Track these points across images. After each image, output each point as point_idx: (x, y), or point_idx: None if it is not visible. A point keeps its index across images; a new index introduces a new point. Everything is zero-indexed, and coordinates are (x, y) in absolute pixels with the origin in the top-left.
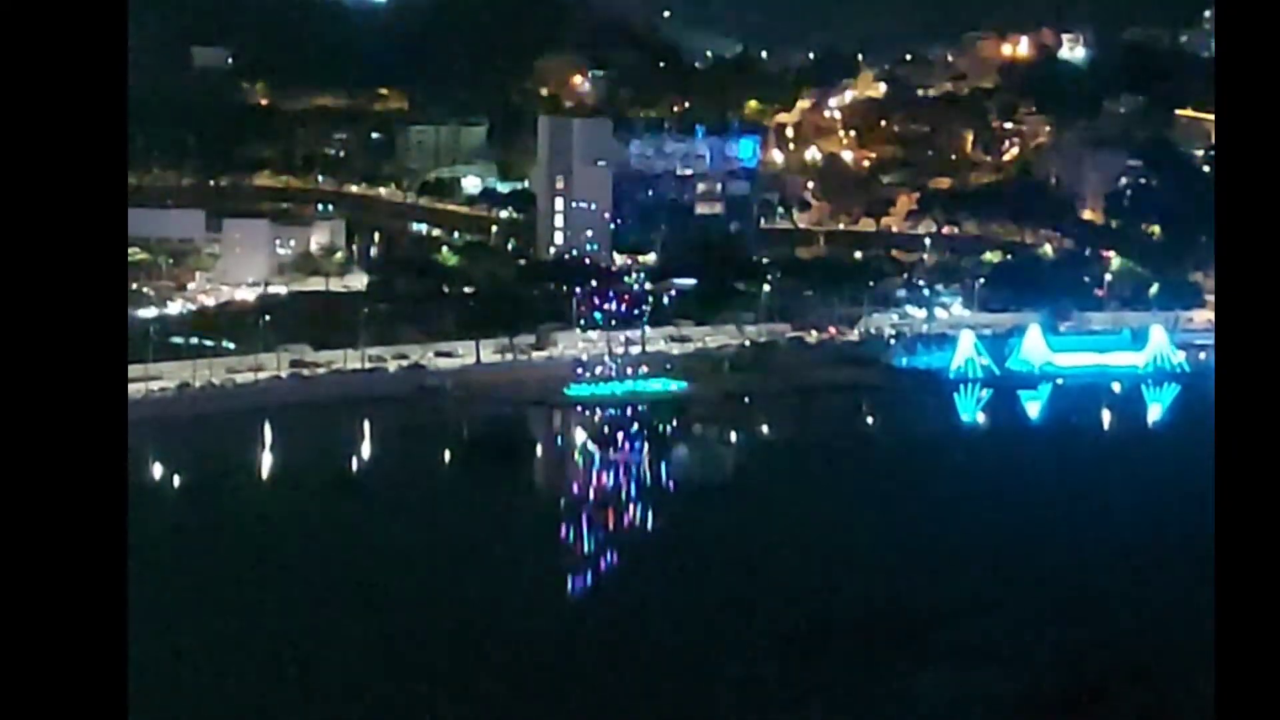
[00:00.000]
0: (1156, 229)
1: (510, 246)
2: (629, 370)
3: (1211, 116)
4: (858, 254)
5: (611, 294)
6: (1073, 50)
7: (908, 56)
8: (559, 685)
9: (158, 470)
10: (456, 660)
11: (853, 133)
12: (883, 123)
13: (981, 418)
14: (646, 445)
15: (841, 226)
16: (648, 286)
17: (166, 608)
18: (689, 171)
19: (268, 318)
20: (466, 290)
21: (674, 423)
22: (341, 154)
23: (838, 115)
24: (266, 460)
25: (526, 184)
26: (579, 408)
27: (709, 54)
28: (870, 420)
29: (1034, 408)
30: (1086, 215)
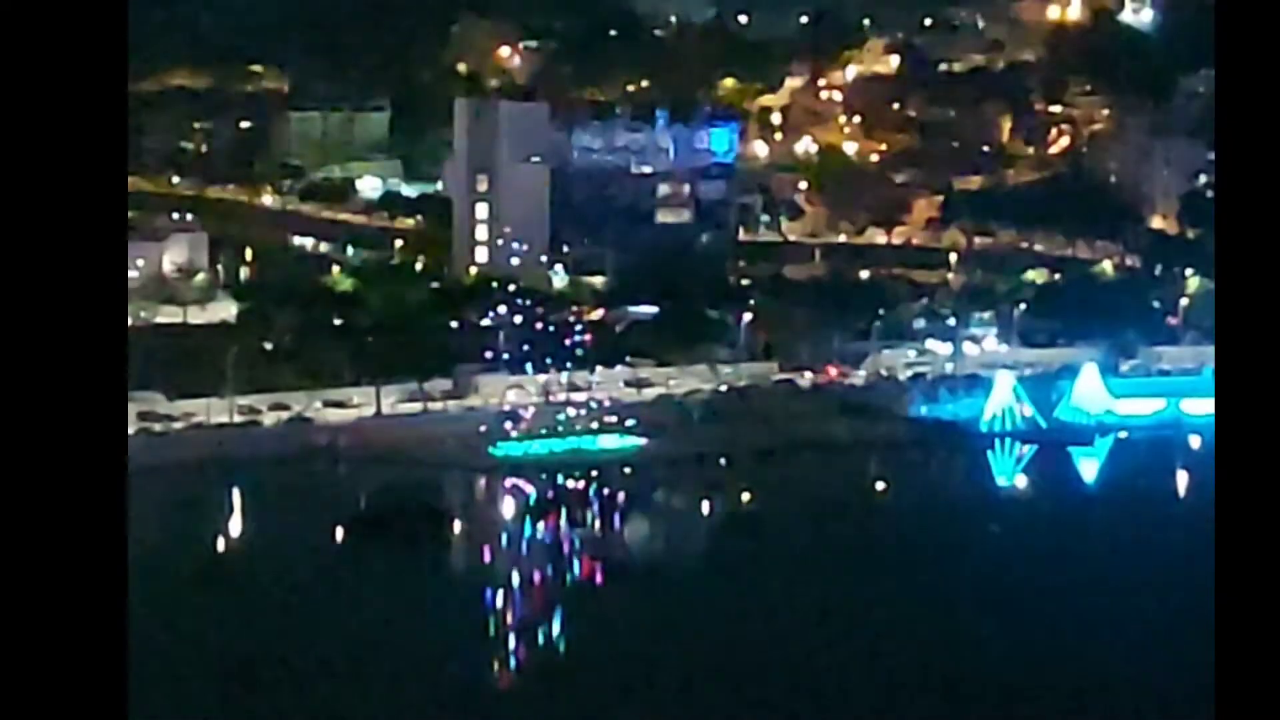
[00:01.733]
0: None
1: (419, 266)
2: (572, 424)
3: None
4: (864, 273)
5: (550, 326)
6: (1138, 12)
7: (927, 21)
8: None
9: None
10: None
11: (857, 119)
12: (895, 106)
13: (1022, 482)
14: (595, 519)
15: (843, 238)
16: (596, 316)
17: None
18: (648, 169)
19: None
20: (364, 322)
21: (630, 490)
22: (202, 148)
23: (837, 97)
24: None
25: (440, 186)
26: (508, 472)
27: (673, 19)
28: (880, 487)
29: (1090, 469)
30: (1156, 223)
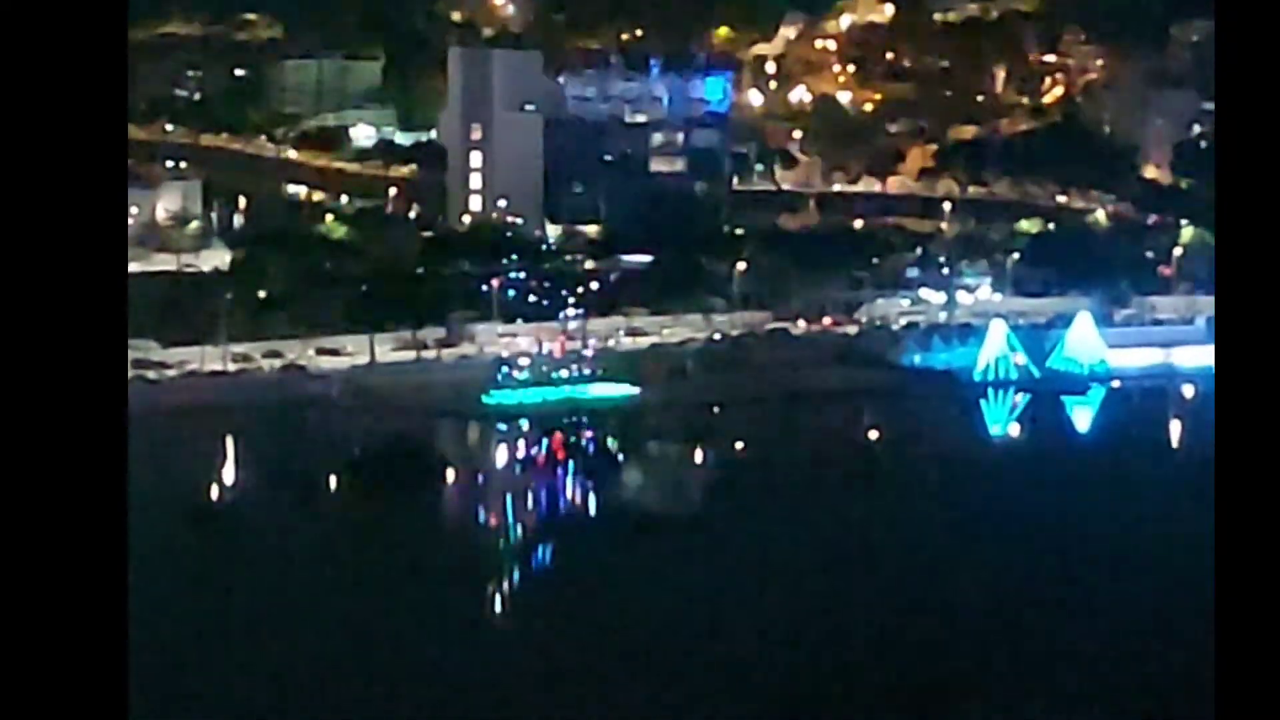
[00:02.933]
0: None
1: (413, 214)
2: (565, 373)
3: None
4: (857, 223)
5: (543, 275)
6: None
7: None
8: None
9: None
10: None
11: (851, 68)
12: (889, 55)
13: (1015, 431)
14: (587, 468)
15: (837, 188)
16: (590, 265)
17: None
18: (642, 118)
19: None
20: (357, 271)
21: (623, 439)
22: (197, 96)
23: (832, 46)
24: None
25: (433, 134)
26: (502, 420)
27: None
28: (873, 435)
29: (1083, 418)
30: (1150, 173)
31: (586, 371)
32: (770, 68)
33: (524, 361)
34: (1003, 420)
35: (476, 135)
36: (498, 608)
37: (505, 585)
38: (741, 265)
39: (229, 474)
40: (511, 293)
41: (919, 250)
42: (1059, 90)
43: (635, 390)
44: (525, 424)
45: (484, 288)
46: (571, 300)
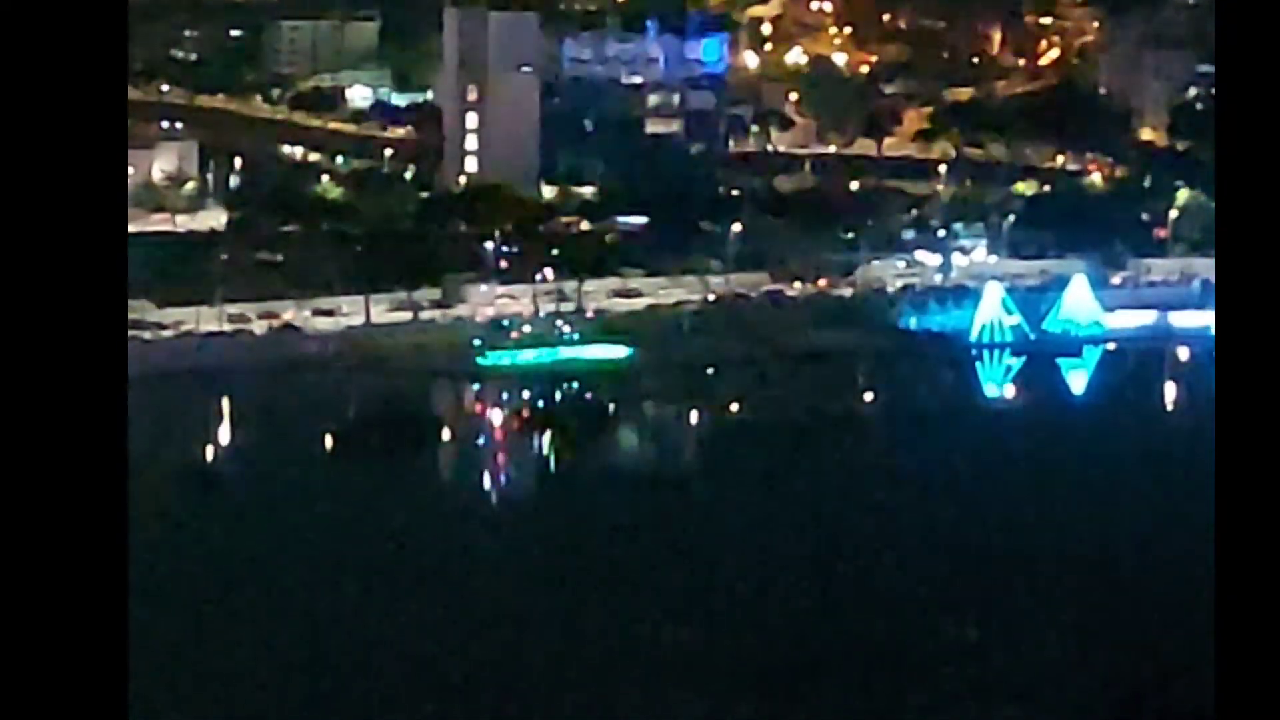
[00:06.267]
0: None
1: (409, 175)
2: (561, 333)
3: None
4: (853, 184)
5: (539, 237)
6: None
7: None
8: None
9: None
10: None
11: (847, 29)
12: (885, 17)
13: (1011, 393)
14: (583, 429)
15: (833, 149)
16: (586, 226)
17: None
18: (638, 79)
19: None
20: (353, 231)
21: (618, 400)
22: (192, 57)
23: (828, 8)
24: None
25: (429, 95)
26: (497, 381)
27: None
28: (869, 397)
29: (1079, 380)
30: (1146, 135)
31: (582, 333)
32: (766, 29)
33: (520, 322)
34: (998, 382)
35: (472, 96)
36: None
37: (499, 535)
38: (737, 227)
39: (224, 435)
40: (507, 254)
41: (914, 212)
42: (1055, 53)
43: (631, 352)
44: (520, 384)
45: (480, 249)
46: (567, 261)
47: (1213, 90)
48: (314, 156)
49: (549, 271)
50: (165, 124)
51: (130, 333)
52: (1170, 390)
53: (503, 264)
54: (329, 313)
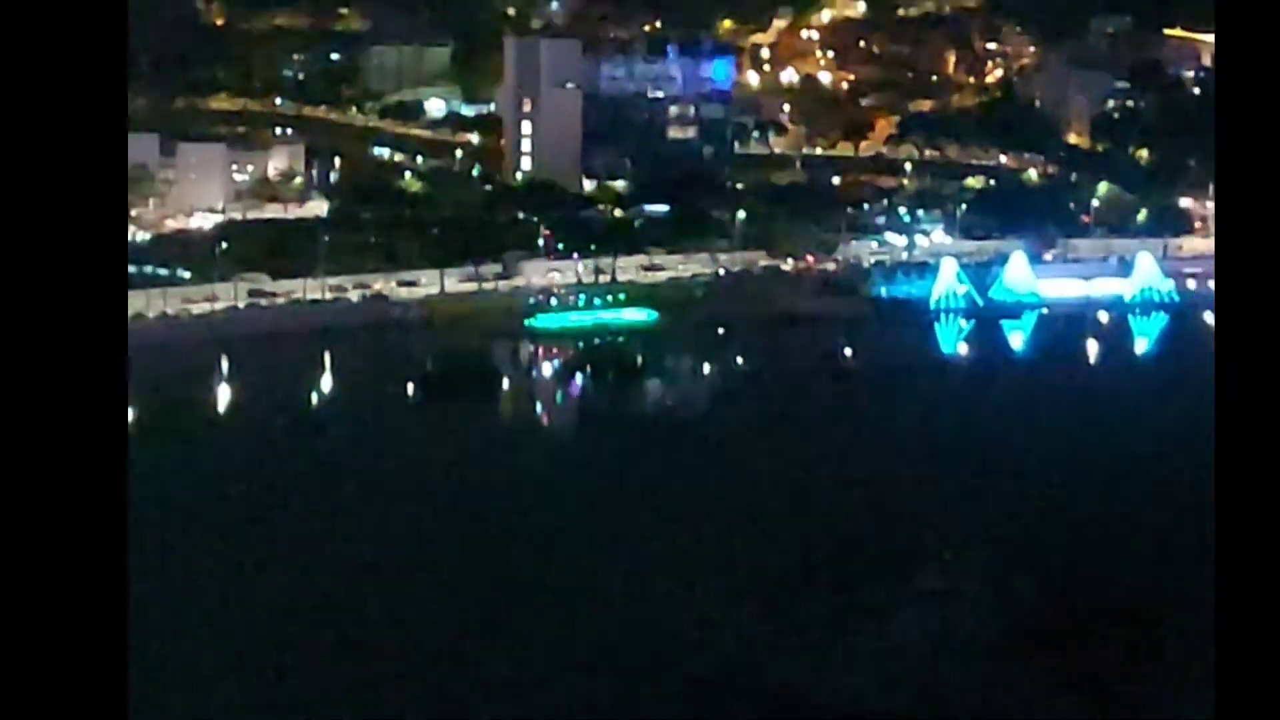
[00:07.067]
0: (1144, 153)
1: (475, 172)
2: (598, 300)
3: (1201, 36)
4: (835, 179)
5: (581, 221)
6: None
7: None
8: (502, 624)
9: None
10: (419, 584)
11: (831, 54)
12: (862, 43)
13: (963, 348)
14: (616, 376)
15: (819, 151)
16: (618, 213)
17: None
18: (661, 94)
19: (224, 246)
20: (430, 217)
21: (645, 353)
22: (301, 76)
23: (815, 36)
24: (224, 394)
25: (492, 107)
26: (547, 338)
27: None
28: (848, 351)
29: (1017, 338)
30: (1072, 139)
31: (615, 299)
32: (765, 53)
33: (565, 291)
34: (952, 339)
35: (527, 108)
36: (536, 481)
37: (549, 459)
38: (741, 214)
39: (326, 382)
40: (556, 235)
41: (885, 202)
42: (999, 72)
43: (655, 315)
44: (565, 341)
45: (533, 232)
46: (603, 241)
47: (1127, 102)
48: (398, 157)
49: (589, 250)
50: (279, 131)
51: (250, 300)
52: (1092, 345)
53: (551, 244)
54: (411, 284)
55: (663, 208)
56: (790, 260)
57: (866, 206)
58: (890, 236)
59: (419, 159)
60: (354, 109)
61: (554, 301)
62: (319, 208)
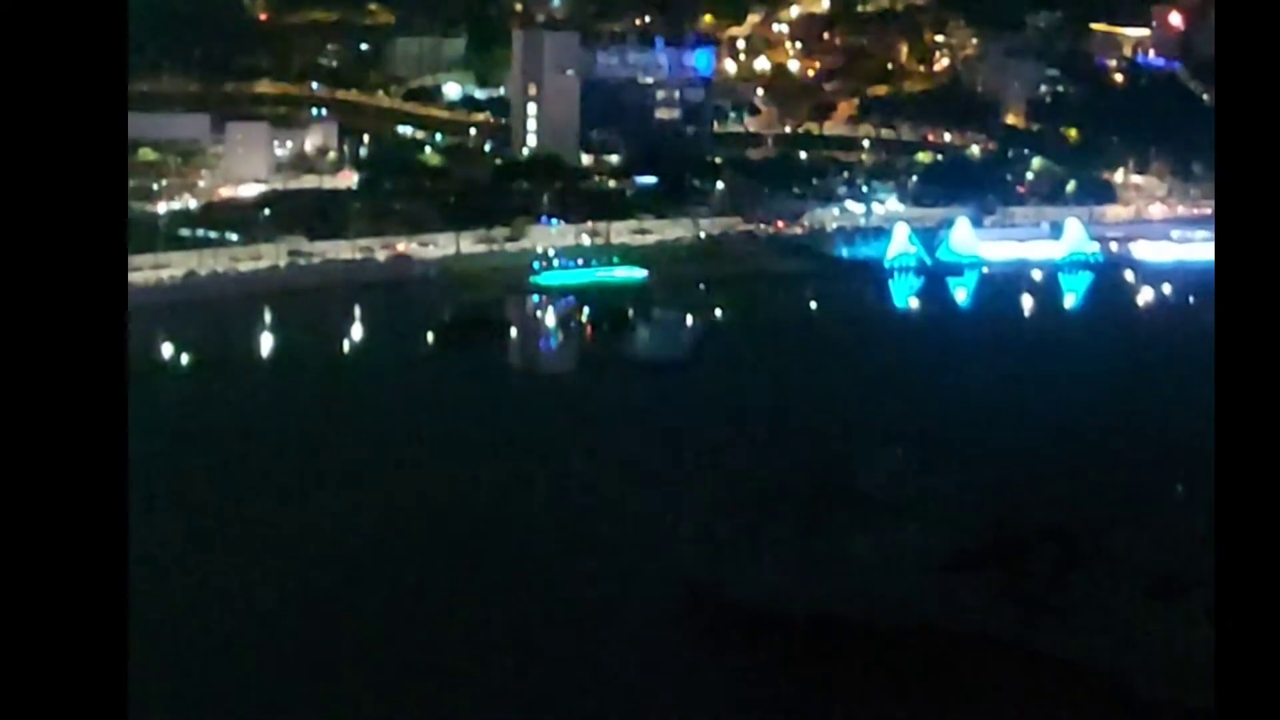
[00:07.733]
0: (1073, 132)
1: (487, 148)
2: (595, 260)
3: (1124, 30)
4: (802, 155)
5: (579, 191)
6: None
7: None
8: (513, 539)
9: (165, 350)
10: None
11: (798, 45)
12: (825, 36)
13: (914, 302)
14: (611, 326)
15: (788, 130)
16: (612, 184)
17: (165, 479)
18: (650, 80)
19: (267, 212)
20: (447, 187)
21: (636, 306)
22: (334, 64)
23: (785, 29)
24: (267, 341)
25: (502, 91)
26: (550, 293)
27: None
28: (814, 305)
29: (961, 293)
30: (1010, 120)
31: (610, 259)
32: (741, 44)
33: (566, 252)
34: (905, 294)
35: (533, 92)
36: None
37: (551, 397)
38: (720, 184)
39: (356, 331)
40: (557, 203)
41: (846, 174)
42: (946, 61)
43: (645, 273)
44: (566, 296)
45: (537, 200)
46: (599, 208)
47: (1057, 88)
48: (420, 135)
49: (587, 215)
50: (315, 111)
51: (289, 259)
52: (1027, 300)
53: (554, 210)
54: (430, 245)
55: (651, 179)
56: (763, 225)
57: (830, 178)
58: (850, 205)
59: (438, 136)
60: (380, 93)
61: (556, 261)
62: (350, 179)
